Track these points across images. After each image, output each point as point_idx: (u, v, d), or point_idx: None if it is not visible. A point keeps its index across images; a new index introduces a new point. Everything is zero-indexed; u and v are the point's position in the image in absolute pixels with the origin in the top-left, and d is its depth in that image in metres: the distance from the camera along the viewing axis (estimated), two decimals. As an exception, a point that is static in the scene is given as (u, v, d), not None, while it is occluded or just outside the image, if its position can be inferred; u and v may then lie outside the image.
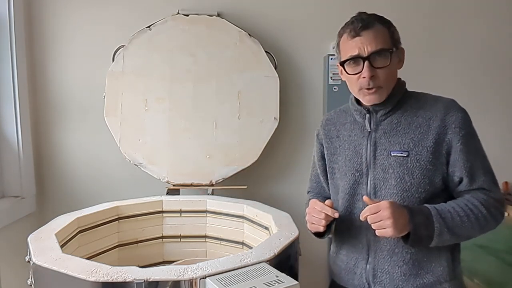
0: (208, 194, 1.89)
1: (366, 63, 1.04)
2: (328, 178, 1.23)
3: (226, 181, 1.95)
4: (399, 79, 1.15)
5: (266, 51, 1.99)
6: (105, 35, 2.04)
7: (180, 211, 1.68)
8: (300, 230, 1.33)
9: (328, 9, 2.11)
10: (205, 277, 0.97)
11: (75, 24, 2.04)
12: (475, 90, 2.20)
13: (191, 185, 1.94)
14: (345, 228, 1.15)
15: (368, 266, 1.09)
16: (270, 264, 1.06)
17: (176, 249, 1.67)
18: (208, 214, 1.69)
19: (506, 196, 2.12)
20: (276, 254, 1.11)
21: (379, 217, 0.96)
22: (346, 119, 1.21)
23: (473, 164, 1.04)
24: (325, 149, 1.23)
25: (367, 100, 1.09)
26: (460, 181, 1.05)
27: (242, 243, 1.62)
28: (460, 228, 1.00)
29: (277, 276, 0.98)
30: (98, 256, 1.47)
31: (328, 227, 1.10)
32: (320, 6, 2.12)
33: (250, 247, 1.51)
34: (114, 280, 0.94)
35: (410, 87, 1.11)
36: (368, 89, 1.06)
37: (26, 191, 1.93)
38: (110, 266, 1.00)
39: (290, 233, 1.28)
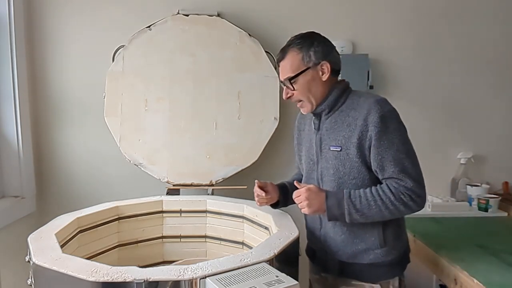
0: (208, 194, 1.88)
1: (284, 87, 1.33)
2: (299, 163, 1.52)
3: (226, 181, 1.95)
4: (338, 82, 1.34)
5: (266, 51, 1.99)
6: (105, 35, 2.04)
7: (180, 211, 1.68)
8: (300, 230, 1.33)
9: (328, 9, 2.11)
10: (205, 277, 0.96)
11: (75, 24, 2.04)
12: (476, 91, 2.20)
13: (191, 185, 1.94)
14: None
15: (320, 233, 1.38)
16: (270, 264, 1.06)
17: (176, 249, 1.67)
18: (208, 214, 1.69)
19: (506, 196, 2.11)
20: (276, 254, 1.11)
21: (299, 199, 1.26)
22: (308, 116, 1.43)
23: (383, 157, 1.22)
24: (295, 138, 1.52)
25: (302, 110, 1.37)
26: (375, 171, 1.26)
27: (242, 243, 1.62)
28: (368, 210, 1.22)
29: (277, 276, 0.98)
30: (98, 256, 1.47)
31: (280, 201, 1.48)
32: (320, 6, 2.12)
33: (250, 247, 1.51)
34: (114, 280, 0.94)
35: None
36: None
37: (26, 191, 1.93)
38: (110, 266, 1.00)
39: (290, 233, 1.28)
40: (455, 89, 2.20)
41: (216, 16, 1.99)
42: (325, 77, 1.30)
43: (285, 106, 2.01)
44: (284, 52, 1.32)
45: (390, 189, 1.21)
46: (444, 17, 2.17)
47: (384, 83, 2.15)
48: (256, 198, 1.45)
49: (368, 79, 2.06)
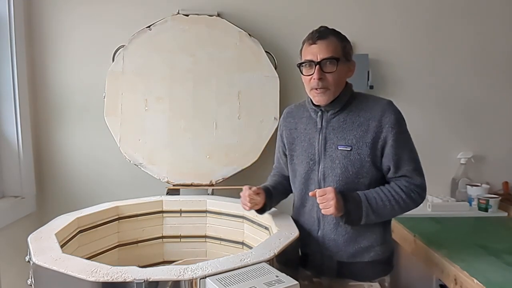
0: (208, 194, 1.88)
1: (317, 67, 1.24)
2: (288, 163, 1.45)
3: (226, 181, 1.95)
4: (347, 83, 1.34)
5: (266, 51, 1.99)
6: (105, 35, 2.04)
7: (180, 211, 1.68)
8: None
9: (328, 9, 2.11)
10: (205, 277, 0.96)
11: (75, 24, 2.04)
12: (476, 90, 2.20)
13: (191, 185, 1.94)
14: (300, 205, 1.41)
15: (318, 234, 1.35)
16: (270, 264, 1.06)
17: (176, 249, 1.67)
18: (208, 214, 1.69)
19: (506, 196, 2.11)
20: (276, 254, 1.11)
21: (325, 198, 1.21)
22: (303, 114, 1.41)
23: (400, 156, 1.26)
24: (284, 138, 1.45)
25: (316, 100, 1.29)
26: (388, 169, 1.28)
27: (242, 243, 1.62)
28: (383, 210, 1.24)
29: (277, 276, 0.98)
30: (98, 256, 1.47)
31: (265, 206, 1.40)
32: (321, 5, 2.12)
33: (250, 247, 1.51)
34: (114, 280, 0.94)
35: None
36: (317, 89, 1.26)
37: (26, 191, 1.93)
38: (110, 266, 1.00)
39: (290, 233, 1.28)
40: (455, 89, 2.20)
41: (216, 16, 1.99)
42: (351, 75, 1.32)
43: (285, 106, 2.01)
44: (325, 33, 1.25)
45: (401, 188, 1.25)
46: (444, 17, 2.17)
47: (384, 83, 2.15)
48: (247, 203, 1.35)
49: (368, 79, 2.06)
